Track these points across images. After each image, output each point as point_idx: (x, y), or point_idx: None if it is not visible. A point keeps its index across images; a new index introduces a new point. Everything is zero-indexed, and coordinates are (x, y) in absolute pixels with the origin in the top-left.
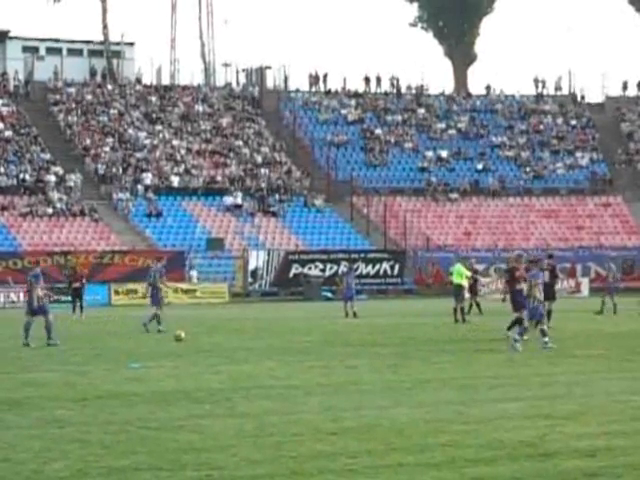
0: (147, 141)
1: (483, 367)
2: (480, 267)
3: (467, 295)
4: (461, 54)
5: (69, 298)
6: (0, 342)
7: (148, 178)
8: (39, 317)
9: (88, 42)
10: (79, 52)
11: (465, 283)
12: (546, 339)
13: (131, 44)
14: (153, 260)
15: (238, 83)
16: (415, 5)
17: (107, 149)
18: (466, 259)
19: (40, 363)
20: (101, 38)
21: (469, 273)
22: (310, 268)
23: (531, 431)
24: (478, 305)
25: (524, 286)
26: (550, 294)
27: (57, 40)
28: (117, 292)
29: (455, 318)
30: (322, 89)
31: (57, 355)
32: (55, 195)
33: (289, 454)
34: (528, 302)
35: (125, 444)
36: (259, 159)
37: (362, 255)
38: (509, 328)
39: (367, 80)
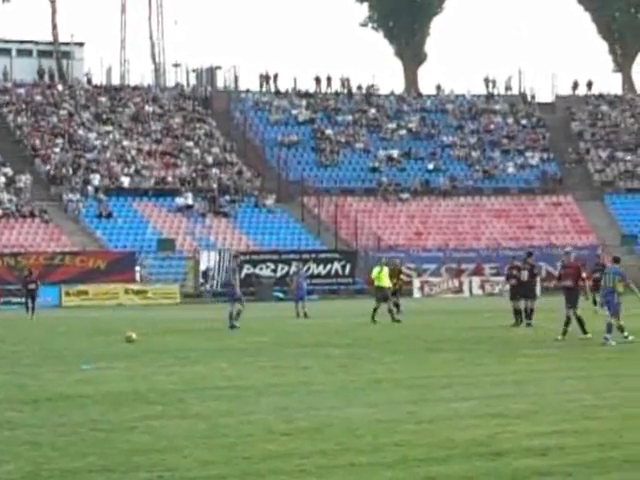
0: (97, 142)
1: (434, 367)
2: (431, 267)
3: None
4: (411, 54)
5: (22, 299)
6: None
7: (98, 179)
8: None
9: (37, 42)
10: (28, 52)
11: (388, 284)
12: (608, 335)
13: (81, 44)
14: (231, 258)
15: (188, 83)
16: (365, 5)
17: (57, 150)
18: (394, 259)
19: None
20: (50, 38)
21: (385, 272)
22: (261, 269)
23: (483, 430)
24: (397, 306)
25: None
26: (530, 293)
27: (6, 41)
28: (68, 293)
29: (373, 318)
30: (273, 89)
31: (8, 357)
32: (5, 196)
33: (241, 455)
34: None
35: (77, 446)
36: (210, 160)
37: (313, 255)
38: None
39: (318, 80)
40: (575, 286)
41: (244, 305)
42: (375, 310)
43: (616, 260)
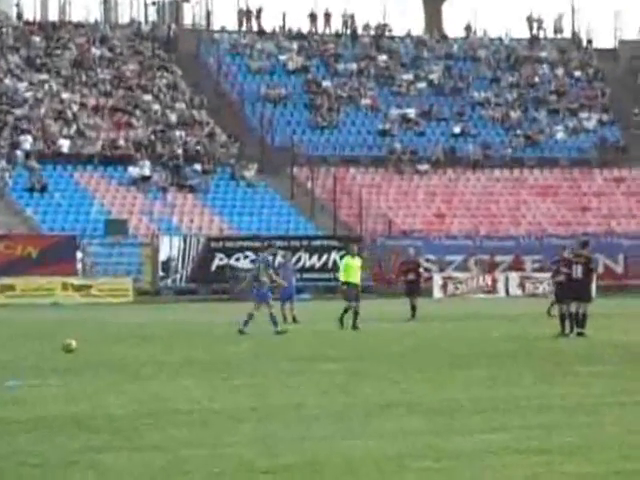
0: (29, 94)
1: (460, 388)
2: (457, 259)
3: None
4: None
5: None
6: None
7: (30, 142)
8: None
9: None
10: None
11: (357, 280)
12: None
13: None
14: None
15: (147, 20)
16: None
17: None
18: (408, 250)
19: None
20: None
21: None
22: (238, 259)
23: (521, 470)
24: (414, 309)
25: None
26: (584, 293)
27: None
28: None
29: (340, 321)
30: (255, 28)
31: None
32: None
33: None
34: None
35: None
36: (173, 118)
37: (305, 242)
38: None
39: (313, 17)
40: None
41: (271, 306)
42: (346, 311)
43: None
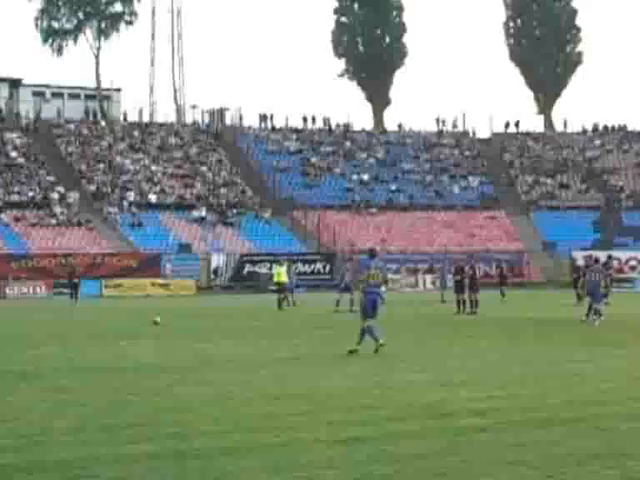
0: (131, 166)
1: (397, 347)
2: (393, 266)
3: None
4: (379, 99)
5: (68, 290)
6: (14, 324)
7: (132, 196)
8: None
9: (84, 88)
10: (77, 96)
11: (285, 279)
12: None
13: (118, 90)
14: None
15: (203, 121)
16: (343, 60)
17: (99, 173)
18: (290, 261)
19: (44, 342)
20: (94, 85)
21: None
22: (260, 267)
23: (433, 396)
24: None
25: None
26: (473, 287)
27: (59, 87)
28: (107, 286)
29: (279, 307)
30: (270, 126)
31: (59, 336)
32: (58, 209)
33: (244, 414)
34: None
35: (115, 406)
36: (220, 181)
37: (301, 257)
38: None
39: (305, 119)
40: (462, 279)
41: (353, 294)
42: (280, 300)
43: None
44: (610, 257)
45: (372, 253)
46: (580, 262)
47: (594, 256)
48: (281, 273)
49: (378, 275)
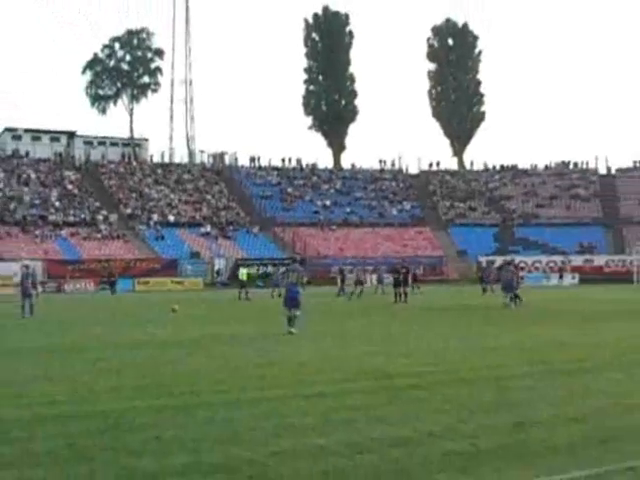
0: (155, 195)
1: (351, 326)
2: (347, 268)
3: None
4: (337, 145)
5: (107, 287)
6: (68, 311)
7: (156, 217)
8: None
9: (121, 138)
10: (116, 144)
11: (245, 278)
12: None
13: (146, 139)
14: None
15: (208, 161)
16: (310, 117)
17: (132, 200)
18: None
19: (90, 324)
20: (129, 135)
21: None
22: (251, 269)
23: (378, 363)
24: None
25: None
26: (405, 283)
27: (103, 137)
28: (139, 283)
29: (239, 298)
30: (257, 165)
31: (102, 321)
32: (102, 226)
33: (239, 376)
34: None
35: (143, 371)
36: (220, 205)
37: (280, 261)
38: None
39: (283, 160)
40: (399, 277)
41: (363, 287)
42: (240, 294)
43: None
44: (513, 260)
45: (292, 260)
46: (484, 264)
47: (509, 259)
48: (244, 274)
49: (294, 276)
